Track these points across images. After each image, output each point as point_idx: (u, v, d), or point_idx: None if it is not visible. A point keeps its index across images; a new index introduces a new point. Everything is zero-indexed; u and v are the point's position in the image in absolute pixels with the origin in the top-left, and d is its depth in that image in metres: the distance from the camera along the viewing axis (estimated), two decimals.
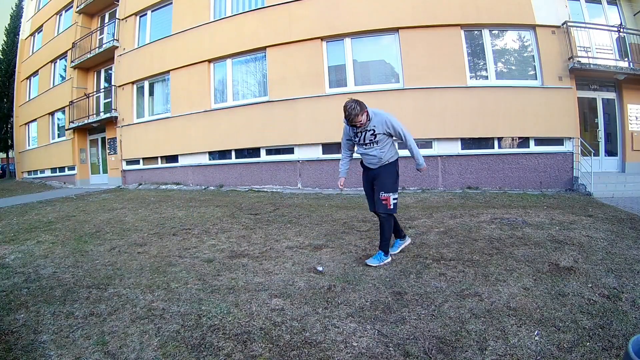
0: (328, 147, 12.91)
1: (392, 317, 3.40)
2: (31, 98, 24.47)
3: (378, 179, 4.76)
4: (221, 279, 4.46)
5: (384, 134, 4.61)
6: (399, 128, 4.59)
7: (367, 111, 4.50)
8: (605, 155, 12.66)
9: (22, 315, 3.64)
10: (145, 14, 17.50)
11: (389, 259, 4.80)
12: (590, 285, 3.88)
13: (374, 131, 4.59)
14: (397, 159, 4.82)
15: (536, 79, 11.85)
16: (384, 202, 4.63)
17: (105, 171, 19.75)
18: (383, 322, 3.30)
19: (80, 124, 19.26)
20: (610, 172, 12.24)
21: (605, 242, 5.39)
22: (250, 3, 14.51)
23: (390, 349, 2.90)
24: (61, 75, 21.87)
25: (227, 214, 8.67)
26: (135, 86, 17.69)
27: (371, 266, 4.65)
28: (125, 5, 17.86)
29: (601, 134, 12.64)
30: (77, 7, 19.89)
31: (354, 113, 4.39)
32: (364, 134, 4.66)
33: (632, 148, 12.49)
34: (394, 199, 4.65)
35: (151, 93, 17.55)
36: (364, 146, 4.75)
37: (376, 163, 4.75)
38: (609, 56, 12.14)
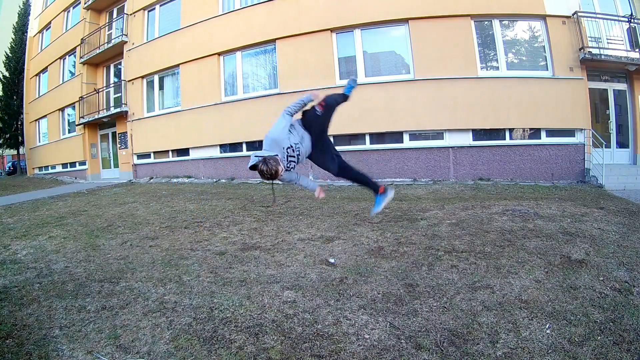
0: (339, 139, 12.85)
1: (404, 309, 3.40)
2: (41, 95, 24.57)
3: (322, 123, 4.48)
4: (233, 272, 4.48)
5: (287, 136, 4.18)
6: (280, 118, 4.26)
7: (276, 157, 3.93)
8: (616, 147, 12.51)
9: (35, 310, 3.69)
10: (154, 9, 17.50)
11: (390, 193, 4.58)
12: (601, 278, 3.85)
13: (300, 147, 4.25)
14: (306, 120, 4.41)
15: (547, 69, 11.73)
16: (323, 104, 4.34)
17: (116, 165, 19.84)
18: (395, 314, 3.31)
19: (90, 119, 19.34)
20: (621, 164, 12.12)
21: (616, 235, 5.34)
22: None
23: (402, 341, 2.90)
24: (70, 71, 21.93)
25: (239, 207, 8.69)
26: (145, 80, 17.72)
27: (379, 212, 4.62)
28: (134, 0, 17.88)
29: (612, 125, 12.50)
30: (85, 3, 19.90)
31: (273, 170, 3.85)
32: (291, 159, 4.25)
33: None
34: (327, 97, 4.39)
35: (161, 87, 17.58)
36: (294, 160, 4.33)
37: (305, 143, 4.36)
38: (619, 47, 11.98)
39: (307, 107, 4.41)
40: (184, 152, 16.35)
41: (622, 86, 12.59)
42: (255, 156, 3.93)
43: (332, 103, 4.40)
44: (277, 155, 3.97)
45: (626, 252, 4.59)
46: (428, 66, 11.91)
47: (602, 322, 3.03)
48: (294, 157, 4.25)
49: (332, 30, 12.99)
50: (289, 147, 4.12)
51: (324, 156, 4.58)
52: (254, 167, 3.86)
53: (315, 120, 4.34)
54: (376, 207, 4.54)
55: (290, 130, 4.17)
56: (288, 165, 4.22)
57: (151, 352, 2.89)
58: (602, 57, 11.36)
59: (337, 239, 5.75)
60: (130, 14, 17.99)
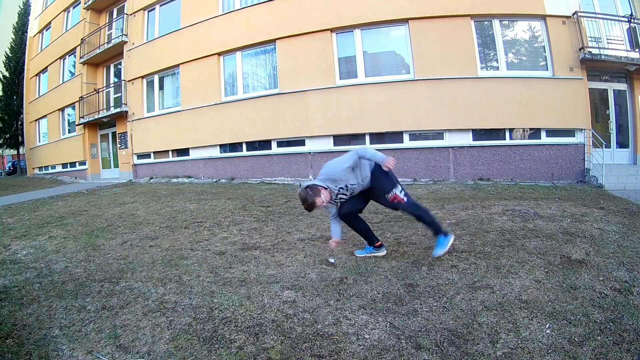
0: (339, 139, 12.93)
1: (404, 309, 3.40)
2: (41, 95, 24.60)
3: (371, 191, 4.51)
4: (233, 272, 4.48)
5: (346, 177, 4.28)
6: (347, 157, 4.26)
7: (322, 188, 4.19)
8: (616, 147, 12.52)
9: (35, 310, 3.69)
10: (154, 9, 17.53)
11: (451, 236, 4.51)
12: (601, 278, 3.85)
13: (344, 188, 4.33)
14: (375, 166, 4.34)
15: (547, 69, 11.74)
16: (395, 201, 4.34)
17: (116, 165, 19.87)
18: (395, 314, 3.31)
19: (90, 119, 19.37)
20: (621, 164, 12.13)
21: (617, 235, 5.34)
22: None
23: (402, 341, 2.90)
24: (70, 71, 21.96)
25: (239, 207, 8.69)
26: (145, 80, 17.76)
27: (441, 255, 4.43)
28: (134, 0, 17.89)
29: (612, 125, 12.51)
30: (85, 3, 19.94)
31: (310, 202, 4.10)
32: (340, 196, 4.42)
33: None
34: (400, 192, 4.35)
35: (161, 87, 17.61)
36: (345, 196, 4.49)
37: (367, 183, 4.44)
38: (619, 47, 11.99)
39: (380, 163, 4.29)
40: (184, 152, 16.37)
41: (622, 86, 12.61)
42: (305, 185, 4.20)
43: (401, 205, 4.41)
44: (325, 187, 4.21)
45: (626, 252, 4.59)
46: (428, 66, 11.92)
47: (602, 322, 3.02)
48: (345, 195, 4.43)
49: (332, 30, 13.01)
50: (342, 187, 4.31)
51: (378, 198, 4.58)
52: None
53: (380, 184, 4.40)
54: (439, 248, 4.45)
55: (353, 170, 4.27)
56: (335, 199, 4.42)
57: (151, 352, 2.89)
58: (602, 57, 11.37)
59: None
60: (130, 14, 18.03)
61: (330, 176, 4.26)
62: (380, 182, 4.36)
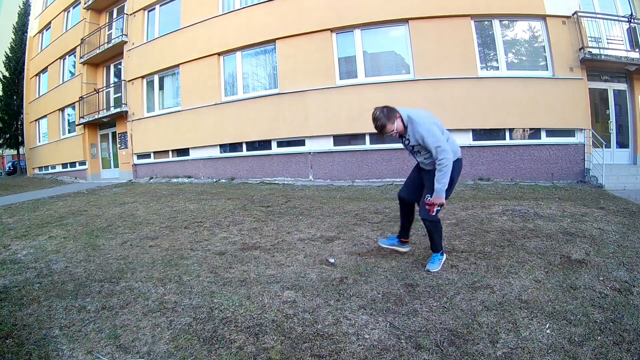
0: (339, 139, 12.94)
1: (404, 309, 3.40)
2: (41, 94, 24.61)
3: (428, 179, 4.15)
4: (233, 272, 4.48)
5: (419, 144, 3.99)
6: (432, 144, 3.86)
7: (400, 117, 3.99)
8: (616, 147, 12.52)
9: (35, 310, 3.68)
10: (154, 9, 17.54)
11: (445, 257, 4.42)
12: (601, 278, 3.85)
13: (409, 142, 4.07)
14: (453, 162, 3.99)
15: (547, 69, 11.74)
16: (427, 206, 4.05)
17: (116, 165, 19.87)
18: (395, 314, 3.31)
19: (90, 119, 19.37)
20: (621, 164, 12.13)
21: (617, 235, 5.34)
22: None
23: (402, 341, 2.90)
24: (70, 71, 21.96)
25: (239, 207, 8.69)
26: (145, 80, 17.76)
27: (432, 272, 4.18)
28: (134, 0, 17.90)
29: (612, 125, 12.51)
30: (85, 3, 19.94)
31: (380, 123, 3.91)
32: (403, 141, 4.19)
33: None
34: (439, 206, 4.03)
35: (161, 87, 17.61)
36: (412, 155, 4.38)
37: (427, 165, 4.19)
38: (619, 47, 11.99)
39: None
40: (184, 152, 16.37)
41: (622, 86, 12.60)
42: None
43: (427, 215, 4.11)
44: (401, 116, 4.01)
45: (626, 252, 4.59)
46: (428, 66, 11.92)
47: (602, 322, 3.03)
48: (403, 145, 4.26)
49: (332, 30, 13.00)
50: (409, 134, 4.04)
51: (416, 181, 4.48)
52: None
53: (429, 183, 4.10)
54: (433, 264, 4.32)
55: (424, 139, 3.91)
56: (409, 149, 4.23)
57: (151, 352, 2.89)
58: (602, 57, 11.37)
59: (337, 238, 5.74)
60: (130, 14, 18.03)
61: (415, 116, 4.01)
62: (431, 182, 4.06)
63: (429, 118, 4.08)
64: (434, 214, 4.05)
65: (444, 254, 4.44)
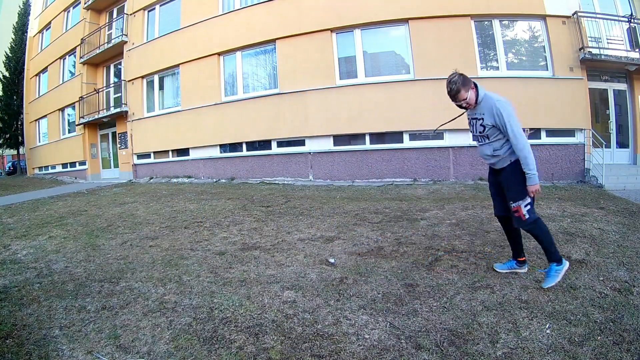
0: (339, 139, 12.93)
1: (404, 309, 3.40)
2: (41, 94, 24.61)
3: (503, 184, 3.87)
4: (233, 272, 4.48)
5: (493, 126, 3.72)
6: (507, 120, 3.62)
7: (475, 89, 3.70)
8: (616, 147, 12.51)
9: (35, 310, 3.69)
10: (154, 9, 17.54)
11: (566, 264, 3.78)
12: (601, 278, 3.85)
13: (483, 120, 3.76)
14: (513, 164, 3.82)
15: (547, 69, 11.74)
16: (516, 214, 3.72)
17: (116, 165, 19.86)
18: (395, 314, 3.31)
19: (90, 119, 19.38)
20: (621, 164, 12.12)
21: (617, 235, 5.34)
22: None
23: (402, 341, 2.90)
24: (70, 71, 21.96)
25: (239, 207, 8.69)
26: (145, 80, 17.76)
27: (552, 286, 3.68)
28: (134, 0, 17.90)
29: (612, 125, 12.50)
30: (85, 3, 19.95)
31: (456, 87, 3.60)
32: (474, 123, 3.86)
33: None
34: (525, 205, 3.67)
35: (161, 87, 17.61)
36: (477, 141, 4.00)
37: (493, 162, 3.93)
38: (619, 47, 11.99)
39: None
40: (184, 152, 16.37)
41: (622, 86, 12.60)
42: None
43: (521, 222, 3.75)
44: (476, 88, 3.71)
45: (626, 252, 4.59)
46: (428, 66, 11.91)
47: (602, 322, 3.03)
48: (483, 135, 3.87)
49: (332, 30, 13.00)
50: (480, 113, 3.78)
51: (498, 196, 4.06)
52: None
53: (509, 187, 3.81)
54: (548, 279, 3.77)
55: (496, 125, 3.71)
56: (479, 130, 3.83)
57: (151, 352, 2.89)
58: (602, 57, 11.37)
59: (337, 239, 5.75)
60: (130, 14, 18.04)
61: (494, 95, 3.73)
62: (511, 180, 3.79)
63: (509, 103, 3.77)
64: (526, 216, 3.68)
65: (564, 262, 3.79)
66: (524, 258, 4.15)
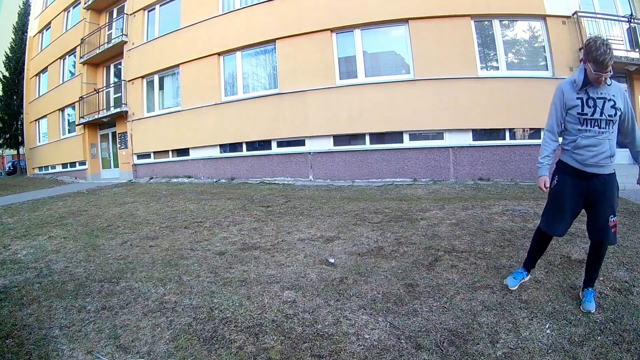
0: (339, 139, 12.93)
1: (404, 309, 3.40)
2: (41, 94, 24.63)
3: (604, 194, 3.20)
4: (233, 272, 4.48)
5: (619, 116, 3.11)
6: (632, 109, 3.10)
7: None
8: (616, 147, 12.49)
9: (35, 310, 3.69)
10: (154, 9, 17.55)
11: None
12: (601, 278, 3.84)
13: (615, 103, 3.06)
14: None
15: (547, 69, 11.73)
16: (613, 229, 3.15)
17: (116, 165, 19.87)
18: (395, 314, 3.31)
19: (90, 119, 19.39)
20: (621, 164, 12.02)
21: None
22: None
23: (402, 341, 2.90)
24: (70, 71, 21.97)
25: (239, 207, 8.69)
26: (145, 80, 17.78)
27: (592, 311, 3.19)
28: (134, 0, 17.91)
29: None
30: (85, 3, 19.96)
31: (612, 55, 2.88)
32: (602, 103, 3.08)
33: None
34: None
35: (161, 87, 17.62)
36: (597, 127, 3.18)
37: (604, 163, 3.23)
38: (619, 47, 11.97)
39: None
40: (184, 152, 16.37)
41: (622, 86, 12.57)
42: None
43: (615, 239, 3.25)
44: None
45: (626, 252, 4.58)
46: (428, 66, 11.91)
47: (602, 322, 3.03)
48: (612, 120, 3.19)
49: (332, 30, 13.00)
50: (619, 109, 3.14)
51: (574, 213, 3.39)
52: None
53: (612, 197, 3.24)
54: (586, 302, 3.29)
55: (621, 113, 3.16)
56: (610, 113, 3.14)
57: (151, 352, 2.89)
58: None
59: (337, 238, 5.74)
60: (130, 14, 18.05)
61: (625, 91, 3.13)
62: (615, 189, 3.27)
63: None
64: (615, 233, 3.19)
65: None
66: (533, 267, 3.85)
